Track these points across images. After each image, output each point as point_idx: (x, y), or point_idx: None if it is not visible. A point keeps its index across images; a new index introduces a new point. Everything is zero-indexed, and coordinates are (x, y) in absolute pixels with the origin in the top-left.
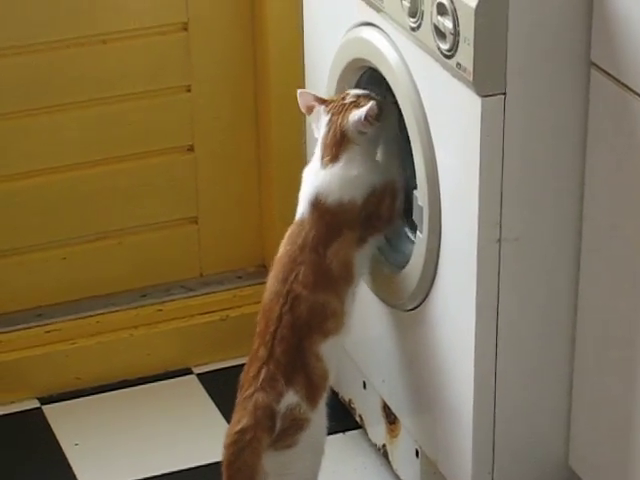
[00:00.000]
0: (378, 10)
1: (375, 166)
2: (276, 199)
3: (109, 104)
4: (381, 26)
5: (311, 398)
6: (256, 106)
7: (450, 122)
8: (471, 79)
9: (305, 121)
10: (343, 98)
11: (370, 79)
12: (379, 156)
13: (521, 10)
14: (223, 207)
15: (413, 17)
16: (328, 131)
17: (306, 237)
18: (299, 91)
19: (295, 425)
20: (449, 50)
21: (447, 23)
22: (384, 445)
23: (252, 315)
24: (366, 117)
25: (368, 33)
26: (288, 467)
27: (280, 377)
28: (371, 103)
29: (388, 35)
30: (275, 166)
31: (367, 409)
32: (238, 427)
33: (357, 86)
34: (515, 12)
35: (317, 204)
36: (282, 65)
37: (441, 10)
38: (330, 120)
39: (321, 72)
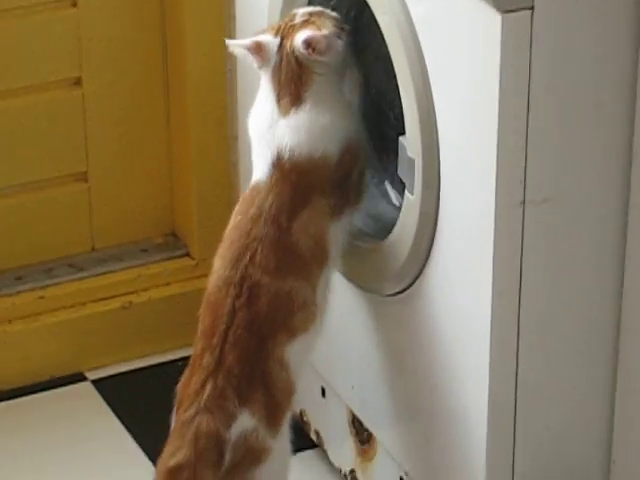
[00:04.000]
0: None
1: (347, 108)
2: (191, 143)
3: None
4: None
5: (272, 420)
6: (162, 14)
7: (454, 44)
8: None
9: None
10: (291, 19)
11: None
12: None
13: None
14: (119, 158)
15: None
16: (280, 62)
17: (262, 205)
18: (228, 42)
19: (250, 457)
20: None
21: None
22: (352, 470)
23: (161, 301)
24: (307, 43)
25: None
26: None
27: (232, 393)
28: (315, 33)
29: None
30: (190, 99)
31: (327, 423)
32: (173, 461)
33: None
34: None
35: (280, 163)
36: None
37: None
38: (281, 46)
39: None
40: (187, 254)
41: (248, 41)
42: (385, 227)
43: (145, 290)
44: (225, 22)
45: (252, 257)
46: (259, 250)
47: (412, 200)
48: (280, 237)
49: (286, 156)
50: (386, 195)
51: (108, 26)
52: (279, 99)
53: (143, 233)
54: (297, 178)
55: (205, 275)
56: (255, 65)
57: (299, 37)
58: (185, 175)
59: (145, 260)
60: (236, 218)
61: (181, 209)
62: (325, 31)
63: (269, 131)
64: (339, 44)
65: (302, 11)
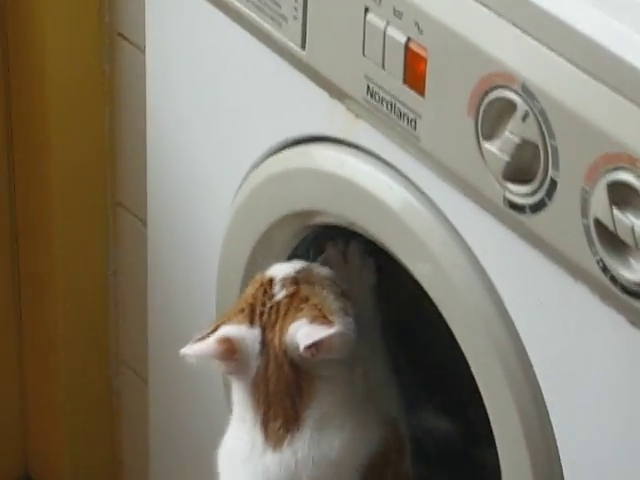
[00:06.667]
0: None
1: (370, 414)
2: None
3: None
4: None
5: None
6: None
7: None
8: None
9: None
10: (267, 291)
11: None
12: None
13: None
14: None
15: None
16: (265, 366)
17: None
18: (184, 352)
19: None
20: None
21: None
22: None
23: None
24: (312, 348)
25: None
26: None
27: None
28: (322, 333)
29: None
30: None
31: None
32: None
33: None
34: None
35: None
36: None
37: (624, 197)
38: (264, 342)
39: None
40: None
41: (212, 341)
42: None
43: None
44: None
45: None
46: None
47: None
48: None
49: None
50: None
51: None
52: (266, 422)
53: None
54: None
55: None
56: (223, 371)
57: (299, 339)
58: (46, 403)
59: None
60: None
61: (39, 447)
62: (336, 325)
63: (248, 470)
64: (350, 327)
65: (281, 275)
